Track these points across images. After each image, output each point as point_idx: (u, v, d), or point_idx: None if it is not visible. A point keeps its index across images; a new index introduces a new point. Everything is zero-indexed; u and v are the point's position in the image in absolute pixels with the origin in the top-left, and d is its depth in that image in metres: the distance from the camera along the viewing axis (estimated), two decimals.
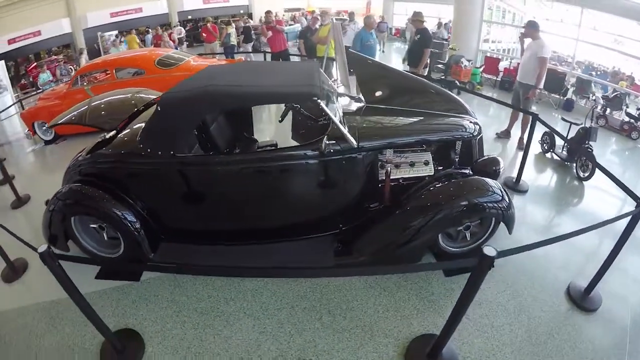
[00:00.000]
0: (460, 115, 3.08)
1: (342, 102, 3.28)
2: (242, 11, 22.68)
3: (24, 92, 10.89)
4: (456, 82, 7.37)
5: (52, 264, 1.84)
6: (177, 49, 11.14)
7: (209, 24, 11.22)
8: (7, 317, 2.66)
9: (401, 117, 3.01)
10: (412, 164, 2.81)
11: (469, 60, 7.83)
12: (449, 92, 3.49)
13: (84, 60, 13.39)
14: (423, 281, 2.66)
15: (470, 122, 2.98)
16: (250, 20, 17.69)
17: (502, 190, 2.58)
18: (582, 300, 2.48)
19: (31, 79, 12.08)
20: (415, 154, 2.87)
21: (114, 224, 2.75)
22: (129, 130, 2.96)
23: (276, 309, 2.44)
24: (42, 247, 1.81)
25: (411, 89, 3.35)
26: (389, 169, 2.69)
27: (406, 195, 2.70)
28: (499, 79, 7.67)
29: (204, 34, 11.17)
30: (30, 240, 2.40)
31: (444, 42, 9.42)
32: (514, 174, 3.99)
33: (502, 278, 2.67)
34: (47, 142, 6.47)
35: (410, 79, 3.51)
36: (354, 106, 3.23)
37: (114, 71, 6.24)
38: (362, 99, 3.33)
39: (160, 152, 2.50)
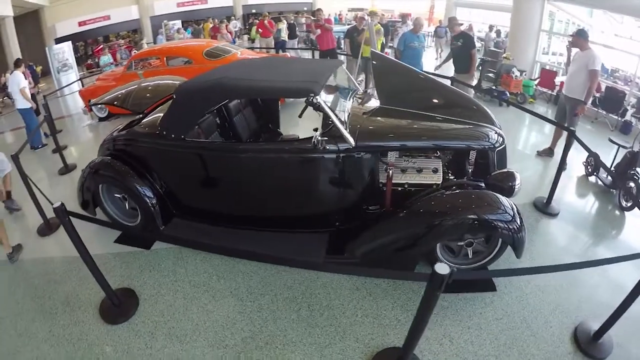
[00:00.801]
0: (482, 124, 2.89)
1: (358, 102, 3.28)
2: (305, 8, 23.39)
3: (89, 71, 12.19)
4: (506, 92, 7.07)
5: (63, 219, 2.17)
6: (234, 41, 11.60)
7: (265, 20, 11.49)
8: (36, 263, 3.14)
9: (412, 121, 2.90)
10: (419, 170, 2.76)
11: (521, 71, 7.46)
12: (474, 100, 3.36)
13: (145, 45, 14.69)
14: (412, 293, 2.60)
15: (492, 132, 2.80)
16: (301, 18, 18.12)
17: (514, 209, 2.42)
18: (588, 345, 2.19)
19: (96, 60, 13.48)
20: (425, 160, 2.81)
21: (133, 196, 3.11)
22: (154, 114, 3.31)
23: (260, 294, 2.60)
24: (57, 204, 2.14)
25: (433, 93, 3.23)
26: (390, 172, 2.67)
27: (409, 201, 2.63)
28: (554, 93, 7.22)
29: (260, 29, 11.34)
30: (67, 202, 2.81)
31: (499, 50, 9.03)
32: (554, 194, 3.64)
33: (503, 305, 2.51)
34: (100, 119, 7.25)
35: (433, 83, 3.38)
36: (368, 106, 3.18)
37: (164, 59, 6.85)
38: (377, 99, 3.29)
39: (173, 135, 2.79)
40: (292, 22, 11.80)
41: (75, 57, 15.67)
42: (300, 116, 4.01)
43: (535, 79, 7.65)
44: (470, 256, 2.62)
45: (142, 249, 3.19)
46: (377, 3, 19.11)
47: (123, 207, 3.37)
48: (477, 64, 6.07)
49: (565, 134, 4.42)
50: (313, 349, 2.20)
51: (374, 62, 3.30)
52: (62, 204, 2.17)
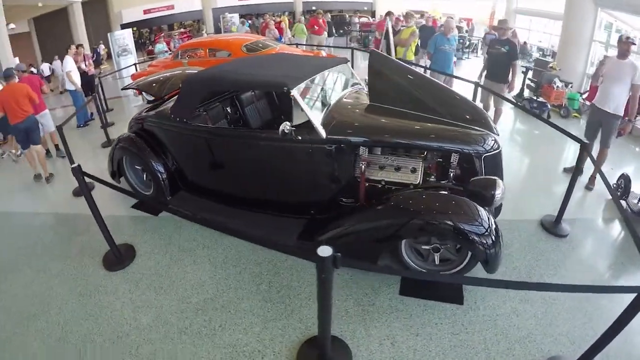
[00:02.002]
0: (475, 128, 2.81)
1: (354, 98, 3.35)
2: (365, 8, 23.69)
3: (150, 56, 13.53)
4: (547, 104, 6.77)
5: (78, 177, 2.74)
6: (280, 38, 11.95)
7: (319, 17, 11.63)
8: (66, 217, 3.87)
9: (395, 119, 2.92)
10: (397, 168, 2.82)
11: (566, 83, 7.09)
12: (474, 104, 3.29)
13: (205, 35, 15.92)
14: (371, 290, 2.67)
15: (481, 137, 2.73)
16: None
17: (490, 221, 2.37)
18: None
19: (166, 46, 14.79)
20: (404, 159, 2.86)
21: (147, 169, 3.69)
22: (172, 100, 3.86)
23: (232, 265, 3.01)
24: (74, 165, 2.73)
25: (430, 95, 3.16)
26: (363, 166, 2.78)
27: (381, 197, 2.71)
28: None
29: (315, 26, 11.32)
30: (102, 171, 3.70)
31: (548, 59, 8.64)
32: (563, 214, 3.43)
33: (465, 321, 2.43)
34: (149, 102, 8.19)
35: (432, 85, 3.35)
36: (359, 103, 3.26)
37: (207, 50, 7.57)
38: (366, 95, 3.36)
39: (178, 119, 3.30)
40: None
41: (140, 43, 17.44)
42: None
43: (583, 93, 7.26)
44: (437, 262, 2.63)
45: (151, 215, 3.78)
46: (438, 6, 18.76)
47: (142, 177, 3.98)
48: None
49: (594, 150, 4.15)
50: (259, 320, 2.47)
51: (371, 60, 3.28)
52: (79, 165, 2.75)
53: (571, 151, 4.89)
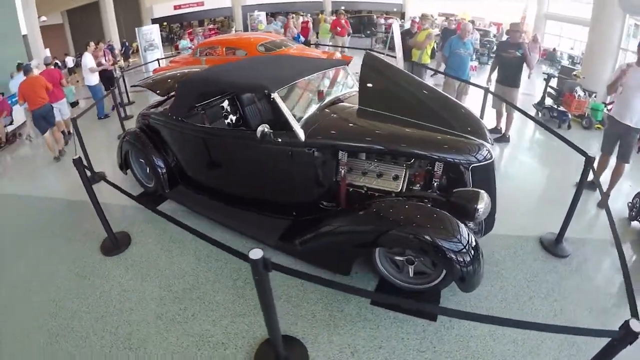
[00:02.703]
0: (468, 137, 2.72)
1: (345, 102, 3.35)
2: (395, 9, 23.56)
3: (177, 52, 14.06)
4: (568, 113, 6.53)
5: (79, 168, 3.01)
6: (298, 37, 12.09)
7: (342, 18, 11.57)
8: (75, 204, 4.21)
9: (381, 124, 2.88)
10: (379, 175, 2.81)
11: (590, 92, 6.83)
12: (470, 112, 3.14)
13: (232, 32, 16.33)
14: (342, 296, 2.68)
15: (474, 148, 2.64)
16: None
17: (470, 241, 2.28)
18: None
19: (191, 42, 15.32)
20: (387, 166, 2.84)
21: (148, 163, 3.95)
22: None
23: (215, 259, 3.15)
24: (75, 156, 3.00)
25: (423, 101, 3.09)
26: (342, 171, 2.82)
27: (360, 202, 2.71)
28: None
29: (338, 27, 11.23)
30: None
31: (575, 68, 8.34)
32: (565, 232, 3.22)
33: (434, 339, 2.39)
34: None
35: (427, 90, 3.23)
36: (345, 106, 3.26)
37: (224, 49, 7.85)
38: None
39: (174, 117, 3.52)
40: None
41: (170, 38, 18.10)
42: None
43: (608, 104, 6.96)
44: (410, 274, 2.60)
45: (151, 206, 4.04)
46: (469, 9, 18.38)
47: (146, 170, 4.24)
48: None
49: (611, 164, 4.04)
50: (229, 313, 2.59)
51: (364, 62, 3.22)
52: (79, 157, 3.03)
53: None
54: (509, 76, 5.39)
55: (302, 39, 11.62)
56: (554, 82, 7.39)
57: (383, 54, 8.67)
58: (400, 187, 2.73)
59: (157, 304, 2.73)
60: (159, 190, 4.00)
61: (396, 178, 2.77)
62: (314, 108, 3.13)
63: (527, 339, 2.35)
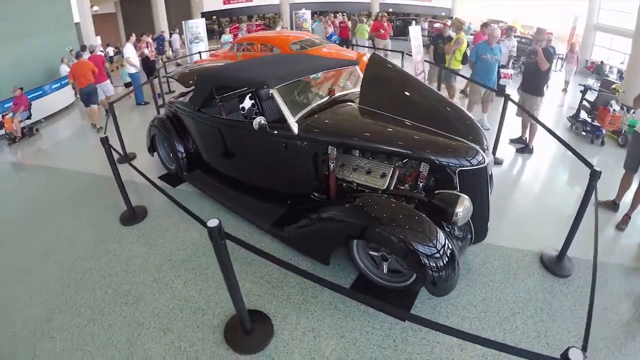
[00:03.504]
0: (461, 140, 2.68)
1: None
2: (443, 13, 23.17)
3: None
4: (602, 129, 6.15)
5: (105, 147, 3.44)
6: (331, 35, 12.11)
7: (384, 20, 11.42)
8: (106, 179, 4.68)
9: (373, 123, 2.97)
10: (368, 172, 2.89)
11: (627, 107, 6.42)
12: (470, 117, 3.04)
13: (278, 28, 16.86)
14: (319, 284, 2.76)
15: (464, 151, 2.60)
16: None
17: (446, 246, 2.26)
18: None
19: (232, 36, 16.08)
20: (376, 163, 2.90)
21: (170, 147, 4.36)
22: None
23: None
24: (103, 136, 3.44)
25: (422, 103, 3.09)
26: (332, 165, 2.96)
27: (345, 197, 2.82)
28: None
29: (381, 30, 11.10)
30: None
31: (613, 80, 7.86)
32: (567, 250, 3.03)
33: (398, 338, 2.42)
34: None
35: (427, 93, 3.21)
36: (345, 105, 3.35)
37: (259, 45, 8.24)
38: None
39: (192, 107, 3.88)
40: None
41: (219, 32, 18.93)
42: None
43: None
44: (384, 271, 2.68)
45: (171, 186, 4.48)
46: (520, 17, 17.68)
47: (169, 154, 4.68)
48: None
49: (634, 186, 3.83)
50: (214, 285, 2.86)
51: (369, 63, 3.29)
52: (106, 137, 3.46)
53: (614, 183, 4.04)
54: (530, 83, 5.25)
55: (335, 37, 11.75)
56: (592, 96, 7.03)
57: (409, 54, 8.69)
58: (386, 185, 2.78)
59: (156, 270, 3.09)
60: (178, 172, 4.40)
61: (383, 176, 2.81)
62: (314, 104, 3.30)
63: (498, 356, 2.28)
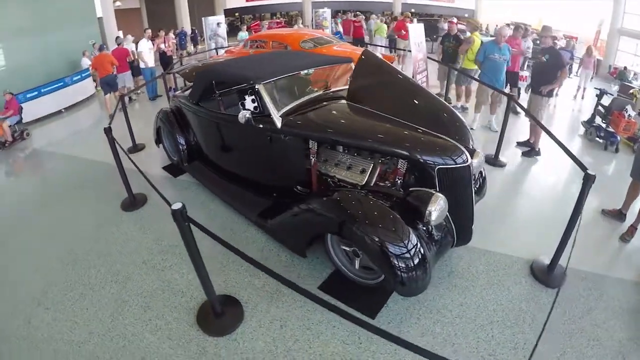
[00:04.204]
0: (444, 138, 2.65)
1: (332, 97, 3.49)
2: (466, 15, 22.78)
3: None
4: (617, 135, 5.90)
5: (108, 136, 3.70)
6: (337, 34, 12.09)
7: (407, 21, 11.28)
8: (114, 168, 4.96)
9: (355, 118, 3.04)
10: (349, 167, 2.92)
11: None
12: (458, 116, 3.03)
13: (297, 26, 17.06)
14: (296, 276, 2.93)
15: (444, 149, 2.56)
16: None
17: (417, 248, 2.24)
18: None
19: (252, 33, 16.35)
20: (357, 159, 2.93)
21: (172, 139, 4.60)
22: None
23: (208, 217, 3.64)
24: (105, 125, 3.69)
25: (410, 100, 3.08)
26: (313, 159, 3.04)
27: (324, 192, 2.88)
28: None
29: (402, 31, 10.92)
30: None
31: (632, 85, 7.58)
32: (558, 260, 2.90)
33: (358, 340, 2.42)
34: None
35: (416, 91, 3.21)
36: (334, 100, 3.41)
37: (270, 42, 8.43)
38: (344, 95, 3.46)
39: (191, 101, 4.09)
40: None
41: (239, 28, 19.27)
42: None
43: None
44: (356, 267, 2.72)
45: (172, 176, 4.73)
46: (544, 20, 17.20)
47: (172, 145, 4.93)
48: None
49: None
50: (170, 273, 3.04)
51: (360, 59, 3.32)
52: (110, 128, 3.71)
53: (624, 192, 3.82)
54: (538, 83, 5.10)
55: (341, 35, 11.75)
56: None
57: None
58: (365, 181, 2.78)
59: (147, 253, 3.31)
60: (179, 163, 4.64)
61: (363, 172, 2.82)
62: (302, 100, 3.39)
63: None
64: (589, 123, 6.53)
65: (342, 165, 2.97)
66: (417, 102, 3.06)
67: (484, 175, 3.44)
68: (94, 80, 9.24)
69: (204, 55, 12.85)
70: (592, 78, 9.09)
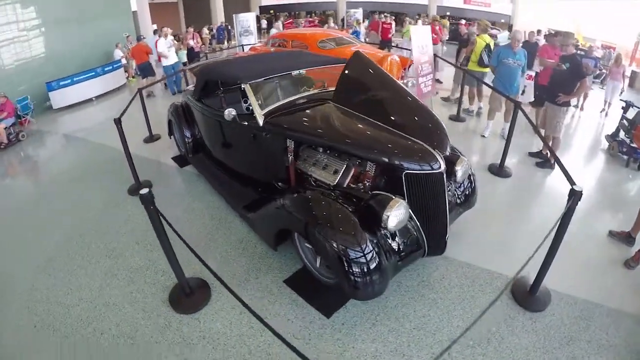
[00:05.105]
0: (419, 143, 2.62)
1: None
2: (502, 20, 22.13)
3: None
4: (638, 149, 5.42)
5: (117, 125, 4.10)
6: (355, 33, 11.83)
7: (437, 25, 11.02)
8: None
9: (332, 119, 3.07)
10: (325, 167, 3.01)
11: None
12: (438, 121, 2.92)
13: (328, 26, 17.28)
14: (267, 267, 3.11)
15: (413, 154, 2.55)
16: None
17: (372, 254, 2.27)
18: None
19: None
20: (332, 159, 3.01)
21: (180, 133, 4.99)
22: None
23: (198, 215, 4.01)
24: (116, 117, 4.10)
25: (395, 106, 3.03)
26: (290, 157, 3.18)
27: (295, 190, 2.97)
28: None
29: (433, 35, 10.23)
30: None
31: None
32: (541, 281, 2.72)
33: (321, 335, 2.49)
34: None
35: (403, 96, 3.09)
36: (320, 101, 3.44)
37: (290, 41, 8.71)
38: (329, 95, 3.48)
39: (195, 98, 4.43)
40: None
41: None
42: None
43: None
44: (317, 265, 2.83)
45: (178, 166, 5.12)
46: (582, 28, 16.45)
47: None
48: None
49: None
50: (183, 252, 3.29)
51: (349, 61, 3.36)
52: (119, 118, 4.12)
53: (625, 212, 3.67)
54: (556, 92, 4.84)
55: (358, 34, 11.80)
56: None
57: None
58: (336, 181, 2.83)
59: (141, 233, 3.69)
60: (185, 155, 5.02)
61: (335, 172, 2.89)
62: (287, 100, 3.51)
63: None
64: (612, 137, 6.13)
65: (318, 165, 3.07)
66: (399, 107, 3.01)
67: (474, 185, 3.39)
68: (126, 71, 9.91)
69: (233, 50, 13.37)
70: (622, 92, 8.50)
